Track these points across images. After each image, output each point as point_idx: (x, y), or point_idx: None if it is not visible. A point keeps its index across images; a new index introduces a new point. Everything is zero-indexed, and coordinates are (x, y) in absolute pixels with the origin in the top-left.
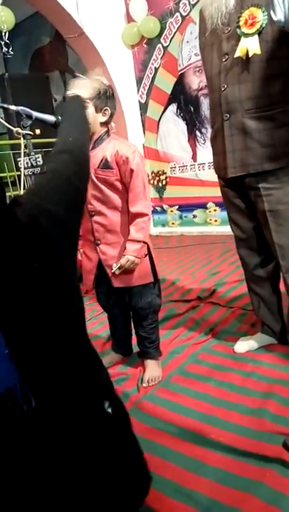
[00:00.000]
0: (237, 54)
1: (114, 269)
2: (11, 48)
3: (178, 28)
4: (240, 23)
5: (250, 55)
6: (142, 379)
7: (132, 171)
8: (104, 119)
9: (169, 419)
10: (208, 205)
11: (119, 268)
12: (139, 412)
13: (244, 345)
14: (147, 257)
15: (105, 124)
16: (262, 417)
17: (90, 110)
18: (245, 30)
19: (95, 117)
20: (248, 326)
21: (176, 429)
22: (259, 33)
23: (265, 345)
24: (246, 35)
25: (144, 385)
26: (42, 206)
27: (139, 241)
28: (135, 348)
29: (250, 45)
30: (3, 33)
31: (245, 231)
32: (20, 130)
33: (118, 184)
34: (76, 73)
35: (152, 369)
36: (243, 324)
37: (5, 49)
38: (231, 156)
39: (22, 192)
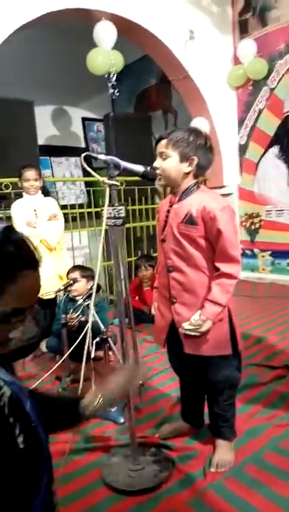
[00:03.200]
0: None
1: (184, 329)
2: (117, 90)
3: (287, 70)
4: None
5: None
6: (211, 461)
7: (219, 231)
8: (189, 169)
9: None
10: None
11: (190, 329)
12: (202, 504)
13: None
14: (227, 324)
15: (192, 174)
16: None
17: (174, 160)
18: None
19: (178, 167)
20: None
21: None
22: None
23: None
24: None
25: (212, 469)
26: None
27: (220, 304)
28: (206, 418)
29: None
30: (112, 75)
31: None
32: (106, 180)
33: (202, 241)
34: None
35: (223, 451)
36: None
37: (112, 90)
38: None
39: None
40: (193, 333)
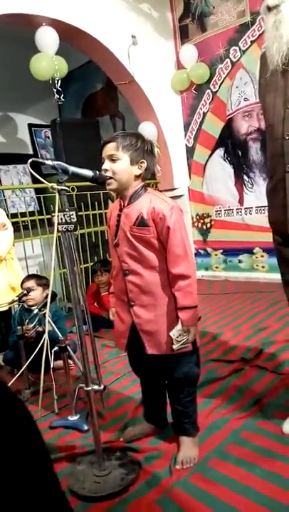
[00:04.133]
0: None
1: (175, 346)
2: (62, 95)
3: (227, 73)
4: None
5: None
6: (176, 459)
7: (168, 228)
8: (139, 171)
9: None
10: (254, 251)
11: (178, 341)
12: (169, 502)
13: None
14: None
15: (141, 177)
16: None
17: (125, 162)
18: None
19: (129, 169)
20: None
21: None
22: None
23: None
24: None
25: (177, 466)
26: None
27: (189, 307)
28: (170, 418)
29: None
30: (56, 81)
31: None
32: (55, 185)
33: (155, 242)
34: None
35: (188, 448)
36: None
37: (57, 96)
38: None
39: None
40: (185, 345)
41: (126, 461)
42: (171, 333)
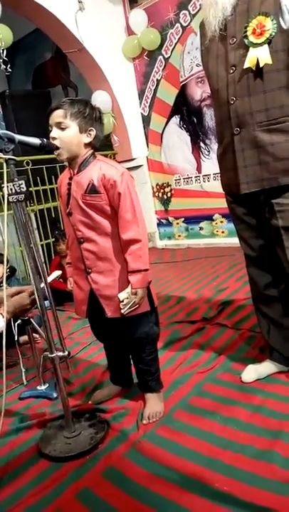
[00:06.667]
0: (246, 65)
1: (123, 310)
2: (9, 65)
3: (178, 39)
4: (248, 33)
5: (260, 65)
6: (142, 414)
7: (119, 194)
8: (88, 140)
9: (169, 463)
10: (214, 217)
11: (126, 304)
12: (137, 454)
13: (252, 374)
14: None
15: (90, 145)
16: (271, 462)
17: (73, 130)
18: (253, 39)
19: (78, 137)
20: (256, 352)
21: (177, 475)
22: (268, 42)
23: (274, 373)
24: (255, 44)
25: (144, 421)
26: None
27: (139, 270)
28: (136, 378)
29: (261, 55)
30: (1, 50)
31: (256, 249)
32: (1, 155)
33: (107, 208)
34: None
35: (153, 404)
36: (251, 349)
37: (3, 66)
38: (244, 172)
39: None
40: (133, 308)
41: (95, 421)
42: (119, 295)
